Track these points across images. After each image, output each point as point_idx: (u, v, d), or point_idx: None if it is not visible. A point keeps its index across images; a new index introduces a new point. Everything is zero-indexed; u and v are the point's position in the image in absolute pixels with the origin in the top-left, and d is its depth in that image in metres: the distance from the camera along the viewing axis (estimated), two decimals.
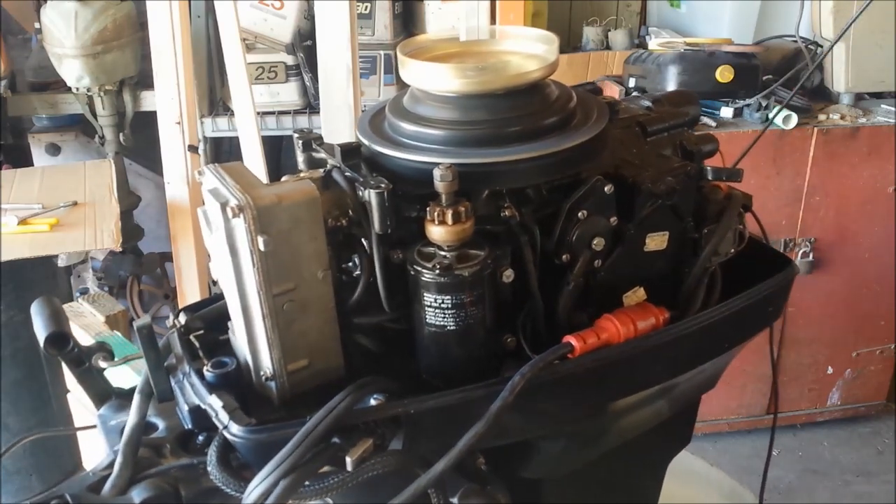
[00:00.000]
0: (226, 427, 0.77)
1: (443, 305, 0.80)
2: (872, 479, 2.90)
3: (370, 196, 0.79)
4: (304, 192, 0.78)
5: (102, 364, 0.99)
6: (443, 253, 0.80)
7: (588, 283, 0.87)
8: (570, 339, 0.83)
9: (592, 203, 0.85)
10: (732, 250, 0.95)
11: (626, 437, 0.97)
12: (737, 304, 0.92)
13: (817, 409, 3.05)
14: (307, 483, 0.75)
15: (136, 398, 0.90)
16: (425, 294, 0.80)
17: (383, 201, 0.79)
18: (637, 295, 0.90)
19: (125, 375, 1.40)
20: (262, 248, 0.75)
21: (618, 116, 0.96)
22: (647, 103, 1.02)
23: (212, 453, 0.80)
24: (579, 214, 0.84)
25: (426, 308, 0.81)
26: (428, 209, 0.79)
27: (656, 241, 0.89)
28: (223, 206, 0.75)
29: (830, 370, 2.96)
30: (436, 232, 0.79)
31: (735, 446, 2.98)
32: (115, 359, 1.00)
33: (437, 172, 0.78)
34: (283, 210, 0.76)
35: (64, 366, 1.00)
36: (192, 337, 0.88)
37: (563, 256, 0.85)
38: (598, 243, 0.85)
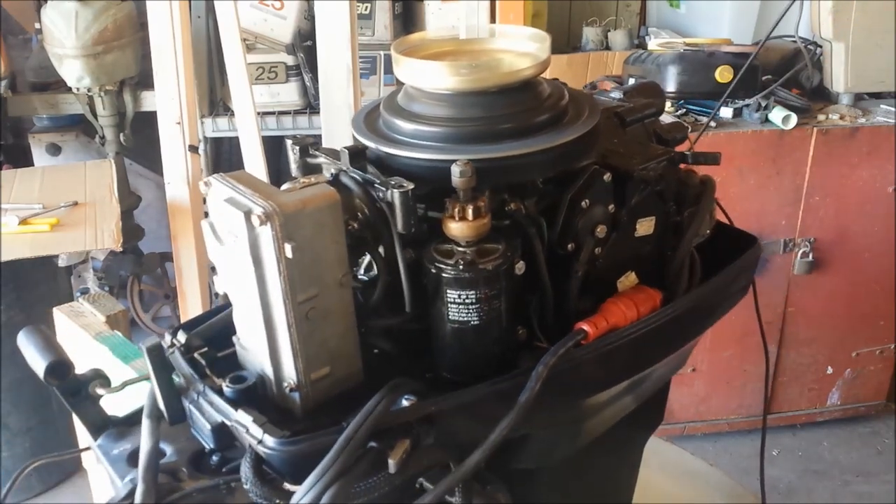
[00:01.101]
0: (260, 441, 0.76)
1: (467, 301, 0.80)
2: (872, 479, 2.90)
3: (393, 196, 0.79)
4: (327, 197, 0.77)
5: (100, 391, 0.94)
6: (461, 249, 0.80)
7: (589, 270, 0.89)
8: (584, 326, 0.85)
9: (594, 192, 0.87)
10: (708, 231, 0.99)
11: (612, 422, 0.99)
12: (723, 279, 0.97)
13: (817, 409, 3.05)
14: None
15: (146, 423, 0.87)
16: (448, 291, 0.80)
17: (407, 200, 0.79)
18: (629, 279, 0.93)
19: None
20: (289, 255, 0.74)
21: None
22: (619, 95, 1.06)
23: (246, 470, 0.78)
24: (582, 204, 0.86)
25: (449, 305, 0.81)
26: (447, 206, 0.80)
27: (645, 226, 0.92)
28: (247, 214, 0.73)
29: (830, 370, 2.96)
30: (456, 228, 0.79)
31: (735, 446, 2.98)
32: (112, 385, 0.95)
33: (455, 169, 0.78)
34: (308, 216, 0.75)
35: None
36: (196, 355, 0.86)
37: (569, 246, 0.87)
38: (601, 231, 0.88)
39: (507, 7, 2.74)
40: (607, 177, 0.87)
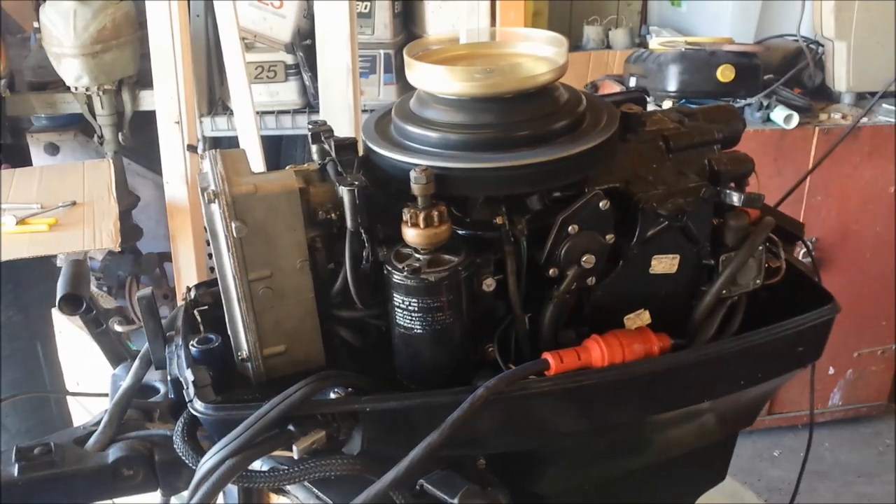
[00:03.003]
0: (191, 401, 0.81)
1: (410, 308, 0.80)
2: (873, 479, 2.89)
3: (343, 193, 0.80)
4: (283, 184, 0.80)
5: (118, 328, 1.05)
6: (417, 255, 0.80)
7: (581, 300, 0.85)
8: (548, 357, 0.81)
9: (585, 218, 0.82)
10: (758, 282, 0.89)
11: (637, 464, 0.95)
12: (749, 340, 0.87)
13: (819, 409, 3.04)
14: (257, 470, 0.78)
15: (136, 363, 0.96)
16: (395, 295, 0.80)
17: (354, 199, 0.79)
18: (641, 318, 0.86)
19: None
20: (235, 234, 0.78)
21: (644, 129, 0.92)
22: (682, 116, 0.96)
23: (179, 424, 0.85)
24: (569, 229, 0.82)
25: (395, 309, 0.81)
26: (404, 211, 0.79)
27: (664, 264, 0.86)
28: (202, 190, 0.78)
29: (832, 370, 2.95)
30: (409, 234, 0.79)
31: (736, 447, 2.96)
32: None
33: (412, 175, 0.78)
34: (259, 200, 0.78)
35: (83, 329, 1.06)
36: (196, 311, 0.91)
37: (551, 271, 0.83)
38: (587, 260, 0.82)
39: (507, 7, 2.73)
40: (604, 203, 0.82)
